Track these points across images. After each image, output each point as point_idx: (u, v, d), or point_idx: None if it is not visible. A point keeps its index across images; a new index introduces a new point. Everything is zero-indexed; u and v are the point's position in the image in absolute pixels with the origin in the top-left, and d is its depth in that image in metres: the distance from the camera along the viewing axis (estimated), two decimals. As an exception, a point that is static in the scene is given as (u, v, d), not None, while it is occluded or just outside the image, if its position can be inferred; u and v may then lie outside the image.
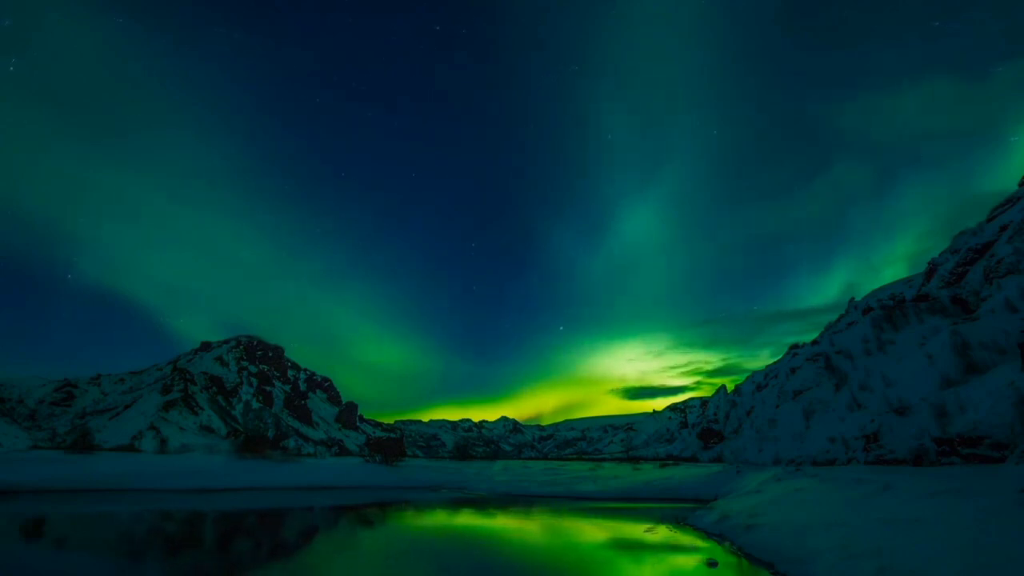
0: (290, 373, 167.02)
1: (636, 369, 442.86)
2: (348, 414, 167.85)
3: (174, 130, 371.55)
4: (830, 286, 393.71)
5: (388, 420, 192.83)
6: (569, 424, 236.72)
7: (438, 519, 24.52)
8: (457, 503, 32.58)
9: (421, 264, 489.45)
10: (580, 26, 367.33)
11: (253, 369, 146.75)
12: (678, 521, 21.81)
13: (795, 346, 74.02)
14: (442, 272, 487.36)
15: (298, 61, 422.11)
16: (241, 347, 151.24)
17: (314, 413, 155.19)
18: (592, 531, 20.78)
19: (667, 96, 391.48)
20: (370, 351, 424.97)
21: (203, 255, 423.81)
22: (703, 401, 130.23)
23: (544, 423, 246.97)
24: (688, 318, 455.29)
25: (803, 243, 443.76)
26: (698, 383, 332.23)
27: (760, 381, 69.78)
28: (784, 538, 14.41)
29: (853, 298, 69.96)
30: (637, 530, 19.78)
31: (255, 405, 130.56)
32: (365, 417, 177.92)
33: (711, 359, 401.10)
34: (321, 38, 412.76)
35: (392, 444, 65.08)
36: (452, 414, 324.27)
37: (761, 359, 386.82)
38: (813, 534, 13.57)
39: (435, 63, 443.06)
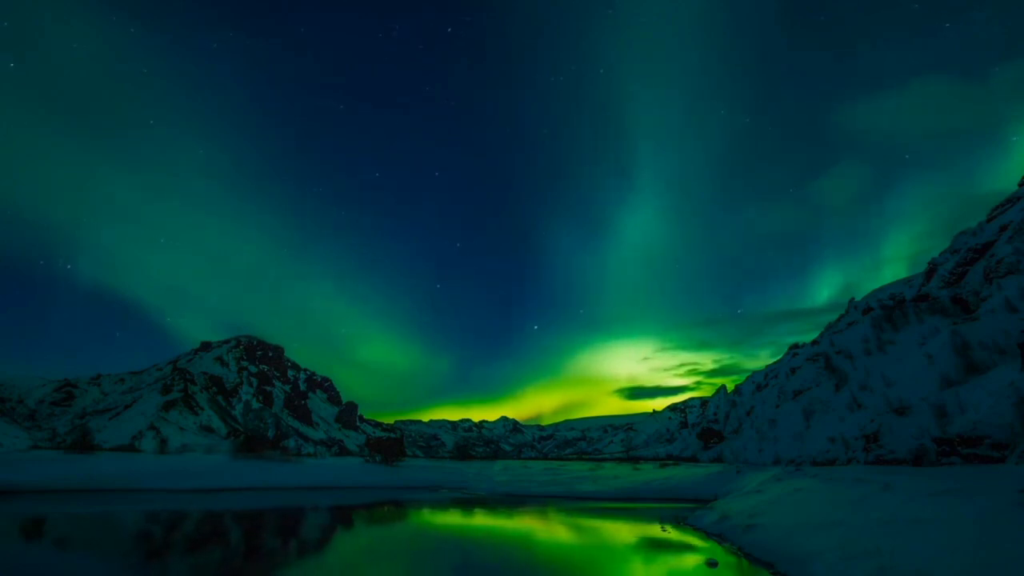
0: (290, 373, 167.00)
1: (636, 369, 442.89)
2: (348, 414, 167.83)
3: (174, 130, 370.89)
4: (830, 286, 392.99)
5: (388, 420, 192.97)
6: (569, 424, 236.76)
7: (438, 519, 24.53)
8: (457, 503, 32.59)
9: (421, 264, 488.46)
10: (580, 26, 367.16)
11: (253, 369, 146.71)
12: (678, 521, 21.81)
13: (795, 346, 74.08)
14: (442, 272, 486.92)
15: (298, 61, 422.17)
16: (241, 347, 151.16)
17: (314, 413, 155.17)
18: (592, 531, 20.79)
19: (667, 96, 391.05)
20: (370, 351, 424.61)
21: (203, 255, 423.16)
22: (703, 401, 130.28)
23: (544, 423, 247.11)
24: (688, 318, 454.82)
25: (803, 243, 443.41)
26: (698, 383, 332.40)
27: (760, 381, 69.82)
28: (784, 538, 14.41)
29: (853, 298, 70.01)
30: (637, 530, 19.79)
31: (255, 405, 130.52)
32: (365, 417, 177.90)
33: (711, 359, 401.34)
34: (321, 38, 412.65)
35: (392, 444, 65.07)
36: (452, 414, 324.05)
37: (761, 359, 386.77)
38: (813, 534, 13.57)
39: (436, 63, 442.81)
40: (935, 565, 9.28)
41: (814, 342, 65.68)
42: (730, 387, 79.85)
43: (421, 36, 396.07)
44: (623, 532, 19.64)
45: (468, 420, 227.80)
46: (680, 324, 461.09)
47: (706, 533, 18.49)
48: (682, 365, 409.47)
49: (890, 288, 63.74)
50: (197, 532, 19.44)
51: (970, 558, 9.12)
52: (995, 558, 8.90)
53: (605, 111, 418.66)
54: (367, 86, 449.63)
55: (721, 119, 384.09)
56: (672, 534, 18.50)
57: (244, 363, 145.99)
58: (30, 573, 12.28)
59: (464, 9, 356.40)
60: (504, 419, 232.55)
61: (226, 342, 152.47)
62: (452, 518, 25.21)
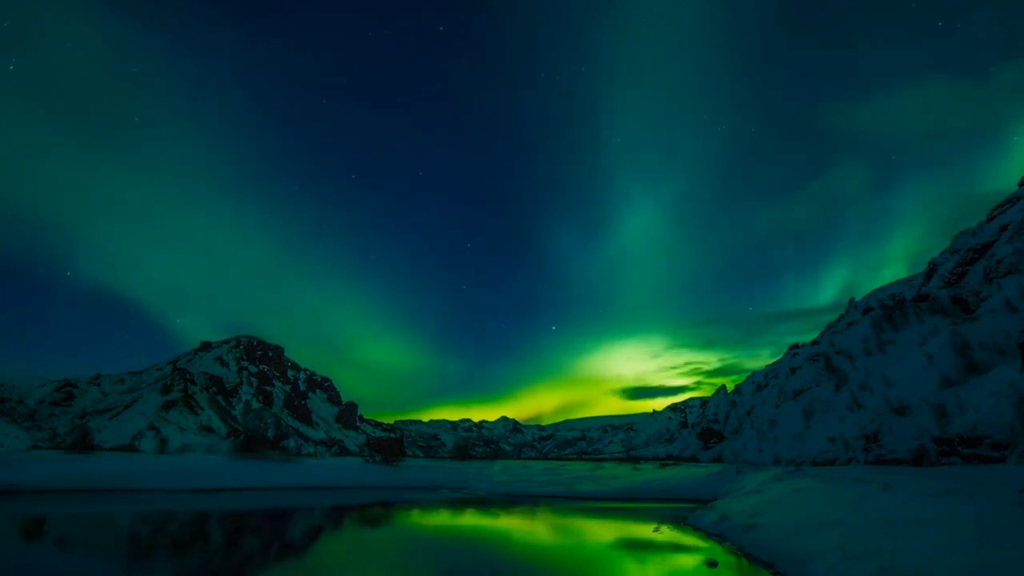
0: (290, 373, 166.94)
1: (636, 369, 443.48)
2: (348, 414, 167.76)
3: (174, 130, 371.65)
4: (830, 286, 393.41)
5: (388, 420, 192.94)
6: (569, 424, 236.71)
7: (438, 519, 24.52)
8: (457, 503, 32.58)
9: (421, 264, 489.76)
10: (580, 26, 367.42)
11: (253, 369, 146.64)
12: (678, 521, 21.80)
13: (795, 346, 74.07)
14: (442, 272, 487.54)
15: (299, 61, 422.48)
16: (241, 347, 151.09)
17: (314, 413, 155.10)
18: (592, 531, 20.78)
19: (667, 96, 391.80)
20: (370, 351, 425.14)
21: (203, 255, 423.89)
22: (703, 401, 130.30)
23: (544, 423, 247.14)
24: (688, 318, 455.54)
25: (803, 243, 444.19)
26: (698, 383, 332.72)
27: (760, 381, 69.80)
28: (784, 538, 14.41)
29: (853, 298, 69.99)
30: (637, 530, 19.78)
31: (255, 405, 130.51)
32: (365, 417, 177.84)
33: (711, 359, 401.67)
34: (322, 38, 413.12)
35: (392, 444, 65.06)
36: (452, 414, 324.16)
37: (761, 359, 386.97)
38: (813, 534, 13.57)
39: (436, 63, 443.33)
40: (935, 565, 9.28)
41: (814, 342, 65.67)
42: (730, 387, 79.93)
43: (421, 36, 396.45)
44: (624, 532, 19.64)
45: (468, 420, 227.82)
46: (680, 324, 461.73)
47: (706, 533, 18.49)
48: (682, 365, 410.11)
49: (890, 288, 63.72)
50: (197, 532, 19.44)
51: (970, 558, 9.12)
52: (995, 558, 8.90)
53: (605, 111, 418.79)
54: (367, 86, 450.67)
55: (721, 119, 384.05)
56: (672, 534, 18.49)
57: (244, 363, 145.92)
58: (30, 573, 12.28)
59: (464, 9, 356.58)
60: (504, 419, 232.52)
61: (226, 342, 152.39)
62: (453, 518, 25.20)
